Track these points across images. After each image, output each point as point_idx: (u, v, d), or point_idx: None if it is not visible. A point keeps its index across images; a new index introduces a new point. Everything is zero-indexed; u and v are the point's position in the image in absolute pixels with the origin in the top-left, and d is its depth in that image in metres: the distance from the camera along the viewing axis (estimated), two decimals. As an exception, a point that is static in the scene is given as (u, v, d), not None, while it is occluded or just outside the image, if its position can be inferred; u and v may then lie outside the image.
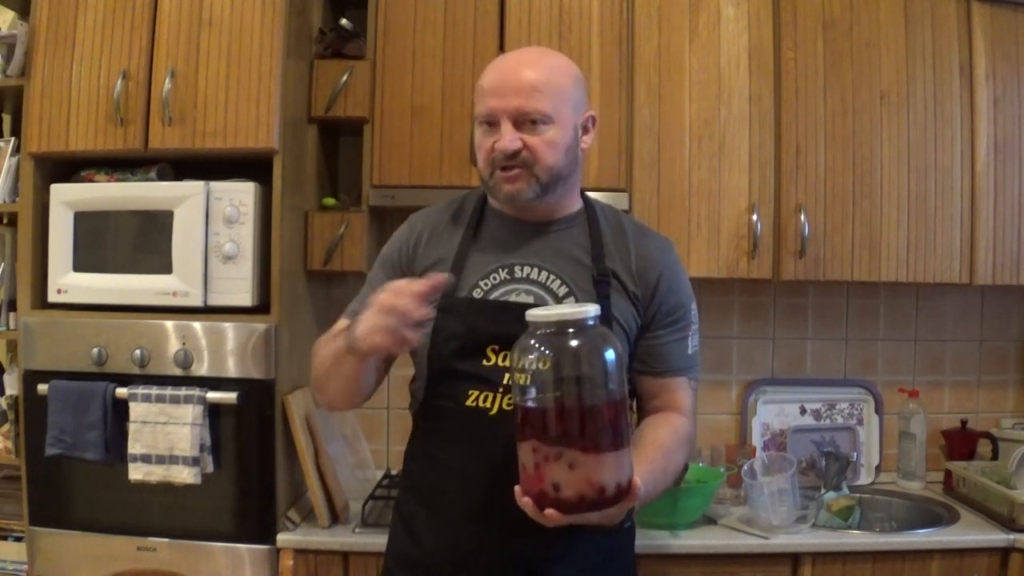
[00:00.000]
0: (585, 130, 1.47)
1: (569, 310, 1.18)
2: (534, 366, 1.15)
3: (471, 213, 1.52)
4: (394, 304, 1.23)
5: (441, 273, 1.29)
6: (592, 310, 1.17)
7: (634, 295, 1.46)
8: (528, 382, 1.16)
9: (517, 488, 1.19)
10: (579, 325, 1.16)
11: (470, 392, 1.41)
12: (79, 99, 2.14)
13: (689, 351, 1.50)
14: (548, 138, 1.39)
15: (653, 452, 1.37)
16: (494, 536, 1.38)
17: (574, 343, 1.15)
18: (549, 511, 1.15)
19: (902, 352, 2.72)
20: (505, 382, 1.39)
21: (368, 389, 1.48)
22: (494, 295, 1.44)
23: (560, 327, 1.16)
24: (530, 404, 1.16)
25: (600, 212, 1.53)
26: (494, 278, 1.45)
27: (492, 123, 1.40)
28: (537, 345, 1.16)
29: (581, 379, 1.15)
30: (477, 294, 1.44)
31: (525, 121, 1.38)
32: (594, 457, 1.14)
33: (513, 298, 1.43)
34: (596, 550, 1.43)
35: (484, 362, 1.41)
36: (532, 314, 1.19)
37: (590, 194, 1.59)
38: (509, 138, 1.37)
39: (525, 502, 1.17)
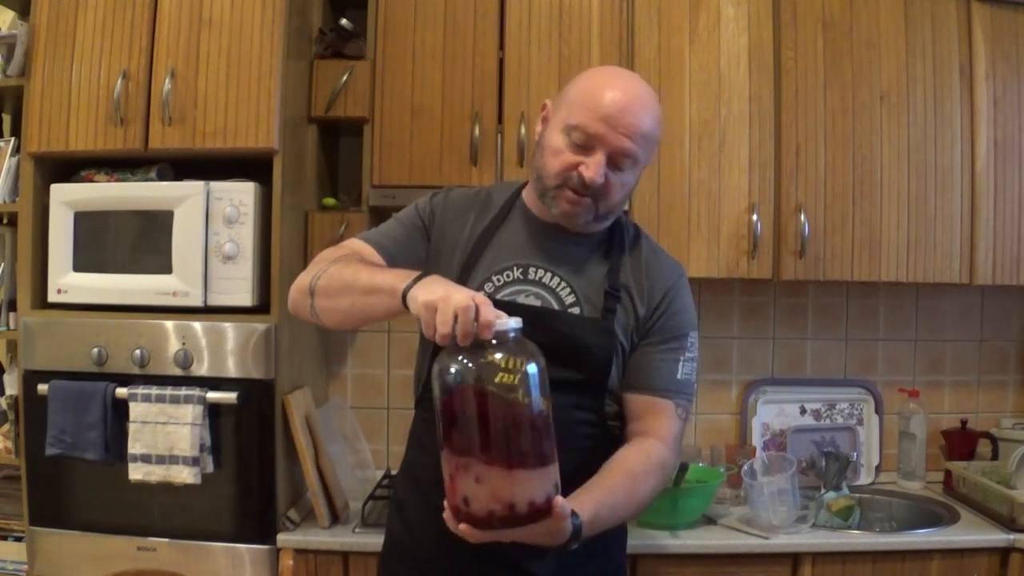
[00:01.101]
0: (641, 172, 1.48)
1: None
2: (452, 374, 1.12)
3: (502, 205, 1.53)
4: (462, 307, 1.12)
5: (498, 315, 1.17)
6: (513, 323, 1.14)
7: (640, 315, 1.46)
8: (446, 391, 1.13)
9: (445, 501, 1.16)
10: (500, 337, 1.13)
11: None
12: (79, 99, 2.14)
13: (679, 375, 1.47)
14: (625, 180, 1.41)
15: (617, 477, 1.35)
16: None
17: (496, 356, 1.12)
18: (462, 526, 1.12)
19: (902, 352, 2.72)
20: (497, 381, 1.38)
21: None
22: (503, 293, 1.44)
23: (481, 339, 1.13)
24: (445, 411, 1.13)
25: (623, 226, 1.54)
26: (507, 275, 1.46)
27: (587, 145, 1.38)
28: (457, 356, 1.13)
29: (497, 391, 1.11)
30: (488, 288, 1.45)
31: (616, 161, 1.38)
32: (503, 472, 1.10)
33: (521, 299, 1.43)
34: (580, 549, 1.43)
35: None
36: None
37: None
38: (599, 171, 1.37)
39: (446, 516, 1.15)
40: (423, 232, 1.52)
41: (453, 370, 1.12)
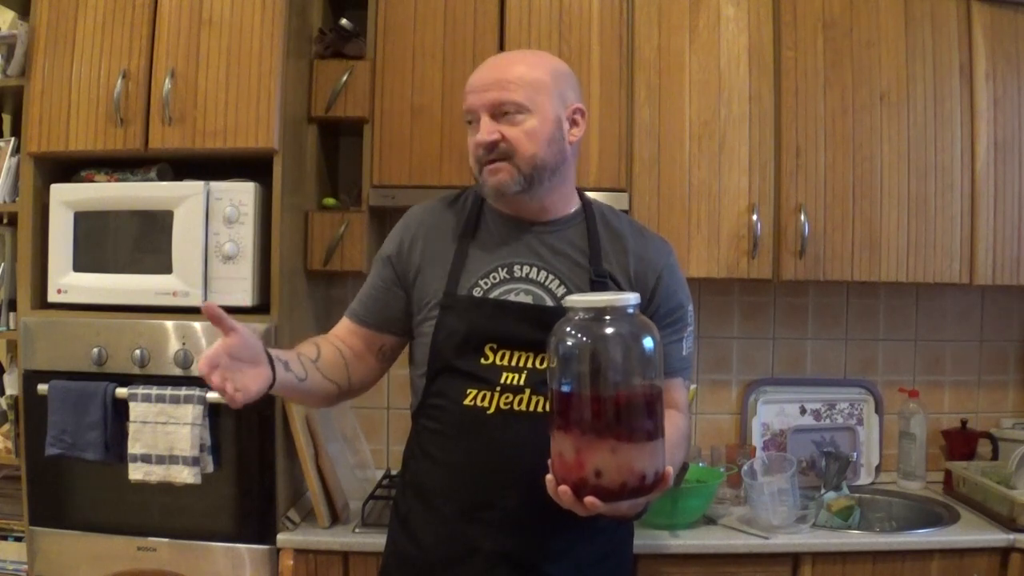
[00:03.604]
0: (573, 123, 1.47)
1: (609, 297, 1.18)
2: (573, 352, 1.15)
3: (470, 210, 1.53)
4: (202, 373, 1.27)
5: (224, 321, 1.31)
6: (632, 298, 1.18)
7: None
8: (566, 368, 1.16)
9: (549, 478, 1.18)
10: (618, 312, 1.16)
11: (468, 391, 1.41)
12: (79, 99, 2.14)
13: (684, 352, 1.51)
14: (526, 128, 1.40)
15: None
16: (490, 534, 1.39)
17: (611, 330, 1.15)
18: (589, 499, 1.14)
19: (902, 352, 2.72)
20: (503, 381, 1.40)
21: (326, 393, 1.48)
22: (494, 294, 1.44)
23: (599, 313, 1.16)
24: (570, 391, 1.16)
25: (598, 213, 1.53)
26: (494, 277, 1.45)
27: (474, 121, 1.43)
28: (575, 332, 1.16)
29: (622, 366, 1.15)
30: (477, 292, 1.45)
31: (501, 113, 1.40)
32: (637, 445, 1.14)
33: (512, 297, 1.44)
34: (592, 550, 1.43)
35: (482, 360, 1.41)
36: (571, 300, 1.19)
37: (590, 194, 1.59)
38: (487, 130, 1.40)
39: (563, 490, 1.16)
40: (393, 279, 1.54)
41: (578, 348, 1.16)
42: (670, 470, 1.19)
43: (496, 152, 1.40)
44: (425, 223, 1.54)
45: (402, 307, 1.52)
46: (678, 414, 1.47)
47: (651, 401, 1.16)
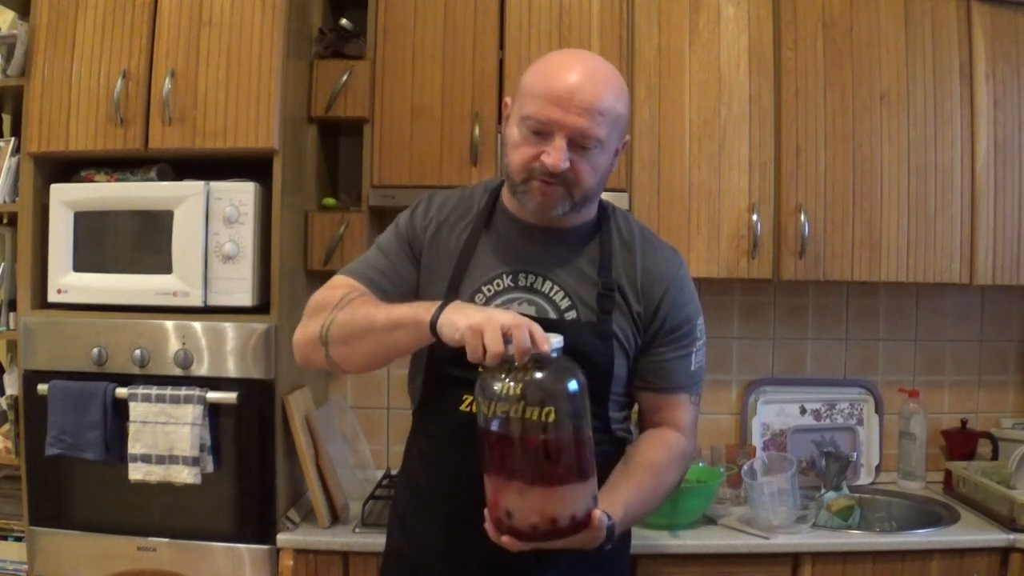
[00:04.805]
0: (616, 153, 1.42)
1: None
2: (496, 395, 1.15)
3: (481, 210, 1.48)
4: (513, 326, 1.14)
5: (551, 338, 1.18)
6: (556, 342, 1.15)
7: (637, 313, 1.43)
8: (488, 410, 1.16)
9: (486, 511, 1.20)
10: (542, 357, 1.15)
11: (464, 397, 1.39)
12: (79, 99, 2.14)
13: (692, 367, 1.46)
14: (594, 164, 1.34)
15: (642, 473, 1.36)
16: (483, 538, 1.38)
17: (537, 375, 1.14)
18: (505, 538, 1.17)
19: (902, 352, 2.72)
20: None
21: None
22: (496, 302, 1.41)
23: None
24: (490, 431, 1.16)
25: (613, 220, 1.49)
26: (497, 284, 1.42)
27: (544, 132, 1.31)
28: (496, 374, 1.15)
29: (540, 411, 1.14)
30: (479, 299, 1.41)
31: (579, 143, 1.32)
32: (546, 489, 1.14)
33: (515, 307, 1.40)
34: (586, 556, 1.42)
35: (479, 369, 1.40)
36: None
37: None
38: (562, 157, 1.31)
39: (487, 526, 1.18)
40: (408, 256, 1.47)
41: (498, 391, 1.14)
42: (596, 513, 1.16)
43: (557, 178, 1.33)
44: (442, 216, 1.49)
45: (413, 283, 1.47)
46: (673, 434, 1.43)
47: (572, 445, 1.15)
